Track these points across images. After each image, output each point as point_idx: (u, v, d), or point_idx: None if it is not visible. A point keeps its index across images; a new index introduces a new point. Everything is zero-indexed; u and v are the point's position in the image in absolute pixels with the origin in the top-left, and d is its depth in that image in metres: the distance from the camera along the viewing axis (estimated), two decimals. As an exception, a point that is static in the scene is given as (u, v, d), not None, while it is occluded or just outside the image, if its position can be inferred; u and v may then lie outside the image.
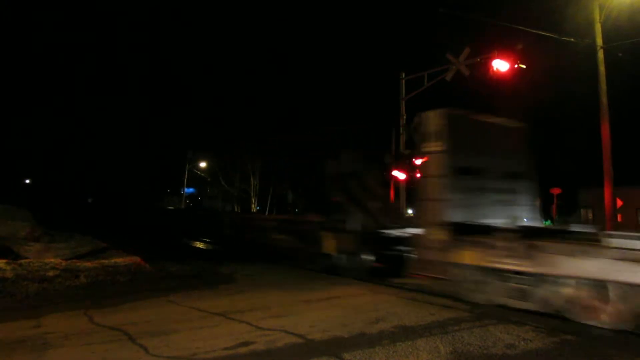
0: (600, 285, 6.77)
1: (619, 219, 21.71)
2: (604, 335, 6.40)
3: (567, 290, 7.14)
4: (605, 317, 6.72)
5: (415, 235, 9.97)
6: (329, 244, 12.71)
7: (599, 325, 6.71)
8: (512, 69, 15.09)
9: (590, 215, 28.41)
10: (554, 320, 7.15)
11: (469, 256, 8.44)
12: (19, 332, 6.58)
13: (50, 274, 10.21)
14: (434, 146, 9.56)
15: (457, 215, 9.15)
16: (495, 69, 15.26)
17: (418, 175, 19.05)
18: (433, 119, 9.65)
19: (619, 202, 20.31)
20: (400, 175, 19.03)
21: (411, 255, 9.93)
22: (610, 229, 14.60)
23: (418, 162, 18.49)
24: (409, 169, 17.92)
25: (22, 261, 11.08)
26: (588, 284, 6.91)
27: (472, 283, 8.50)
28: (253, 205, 42.63)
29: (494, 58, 15.32)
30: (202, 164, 48.54)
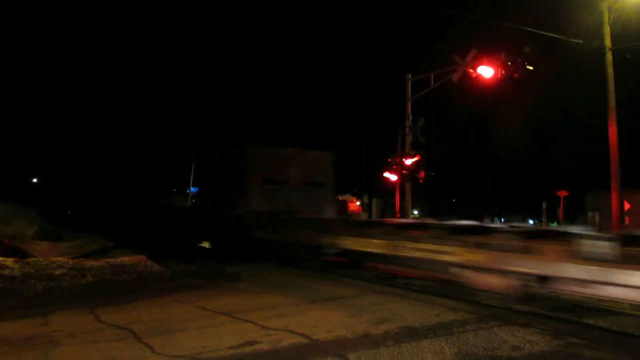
0: None
1: (627, 221, 21.54)
2: (610, 339, 6.37)
3: None
4: None
5: None
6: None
7: None
8: (520, 71, 14.99)
9: (597, 219, 28.17)
10: (560, 322, 7.12)
11: None
12: (27, 330, 6.64)
13: (57, 272, 10.28)
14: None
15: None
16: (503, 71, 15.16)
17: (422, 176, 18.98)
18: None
19: (627, 205, 20.17)
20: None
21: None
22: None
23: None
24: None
25: (30, 260, 11.17)
26: None
27: None
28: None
29: (501, 60, 15.23)
30: (208, 164, 48.72)
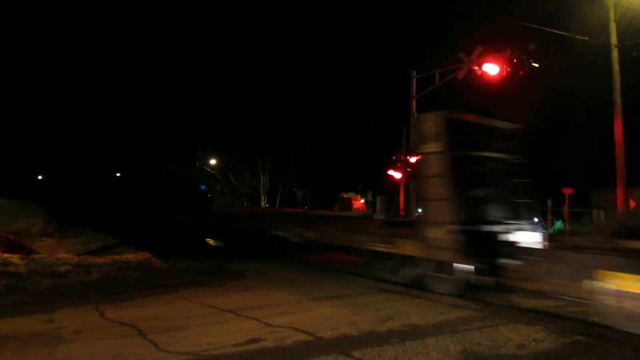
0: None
1: (632, 220, 21.35)
2: (615, 337, 6.34)
3: None
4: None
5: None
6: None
7: None
8: (524, 68, 14.89)
9: (602, 217, 27.99)
10: (565, 321, 7.10)
11: None
12: (32, 327, 6.67)
13: (63, 269, 10.31)
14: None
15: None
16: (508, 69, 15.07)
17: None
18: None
19: (632, 203, 20.01)
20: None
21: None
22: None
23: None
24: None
25: (35, 256, 11.20)
26: None
27: None
28: (262, 202, 42.73)
29: (506, 57, 15.14)
30: (212, 162, 48.88)
